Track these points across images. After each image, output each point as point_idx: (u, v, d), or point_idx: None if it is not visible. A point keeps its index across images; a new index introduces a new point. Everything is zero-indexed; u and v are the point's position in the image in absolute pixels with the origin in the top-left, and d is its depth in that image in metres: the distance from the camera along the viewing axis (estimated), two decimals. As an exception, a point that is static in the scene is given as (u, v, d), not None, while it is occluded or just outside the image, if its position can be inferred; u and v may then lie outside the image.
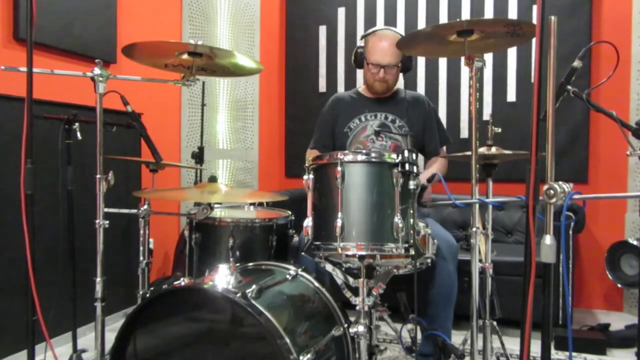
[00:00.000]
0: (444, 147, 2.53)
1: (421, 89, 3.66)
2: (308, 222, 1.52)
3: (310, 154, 2.47)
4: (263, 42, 3.92)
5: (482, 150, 1.75)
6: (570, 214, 2.73)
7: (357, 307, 1.54)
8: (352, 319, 1.63)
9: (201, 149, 3.11)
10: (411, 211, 1.47)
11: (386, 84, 2.40)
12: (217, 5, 3.57)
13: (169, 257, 3.22)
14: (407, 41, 1.86)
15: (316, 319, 1.66)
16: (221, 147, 3.66)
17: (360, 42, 2.45)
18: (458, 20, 1.54)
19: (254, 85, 3.88)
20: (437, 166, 2.42)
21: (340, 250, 1.45)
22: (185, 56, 1.75)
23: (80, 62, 2.62)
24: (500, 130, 1.83)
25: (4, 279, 2.22)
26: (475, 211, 1.62)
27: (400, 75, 2.45)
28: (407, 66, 2.40)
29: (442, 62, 3.64)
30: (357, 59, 2.43)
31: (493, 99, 3.49)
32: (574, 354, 2.47)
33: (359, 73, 3.70)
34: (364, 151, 1.49)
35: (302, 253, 1.59)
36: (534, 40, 1.51)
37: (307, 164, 1.55)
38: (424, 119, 2.46)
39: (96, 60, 1.69)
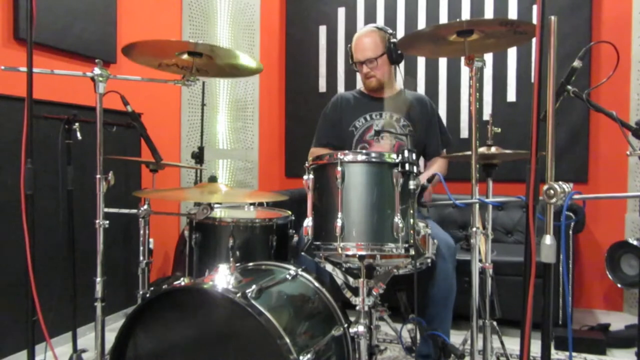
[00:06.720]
0: (445, 150, 2.53)
1: (421, 89, 3.66)
2: (308, 222, 1.52)
3: (315, 152, 2.47)
4: (263, 42, 3.92)
5: (482, 150, 1.75)
6: (570, 214, 2.73)
7: (357, 307, 1.54)
8: (352, 319, 1.63)
9: (201, 149, 3.12)
10: (411, 211, 1.47)
11: (375, 78, 2.41)
12: (217, 5, 3.57)
13: (169, 257, 3.22)
14: (407, 41, 1.86)
15: (316, 319, 1.66)
16: (221, 147, 3.66)
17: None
18: (458, 20, 1.53)
19: (254, 85, 3.87)
20: (437, 166, 2.43)
21: (340, 250, 1.45)
22: (185, 56, 1.75)
23: (80, 62, 2.63)
24: (500, 130, 1.83)
25: (4, 279, 2.22)
26: (475, 211, 1.62)
27: (401, 75, 2.46)
28: (394, 56, 2.34)
29: (442, 62, 3.64)
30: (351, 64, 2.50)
31: (493, 99, 3.49)
32: (574, 354, 2.47)
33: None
34: (364, 151, 1.49)
35: (302, 253, 1.59)
36: (534, 40, 1.51)
37: (307, 164, 1.55)
38: (427, 119, 2.47)
39: (96, 60, 1.69)
